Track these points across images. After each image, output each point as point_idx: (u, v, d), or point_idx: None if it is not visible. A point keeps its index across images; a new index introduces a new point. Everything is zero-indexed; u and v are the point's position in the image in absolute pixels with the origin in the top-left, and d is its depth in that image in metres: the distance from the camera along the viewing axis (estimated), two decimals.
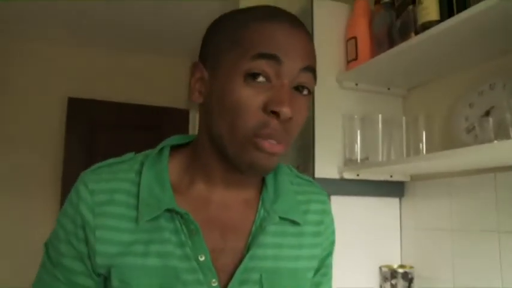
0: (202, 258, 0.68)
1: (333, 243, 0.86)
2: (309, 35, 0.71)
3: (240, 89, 0.64)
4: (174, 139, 0.79)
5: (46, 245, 0.74)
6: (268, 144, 0.65)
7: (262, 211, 0.74)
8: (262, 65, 0.64)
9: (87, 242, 0.68)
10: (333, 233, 0.85)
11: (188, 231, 0.68)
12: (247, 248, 0.71)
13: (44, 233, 3.10)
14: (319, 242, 0.80)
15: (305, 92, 0.68)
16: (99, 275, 0.70)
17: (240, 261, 0.70)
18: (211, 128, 0.70)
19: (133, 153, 0.77)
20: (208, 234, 0.69)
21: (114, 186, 0.70)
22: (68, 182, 2.97)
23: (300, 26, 0.69)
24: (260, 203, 0.75)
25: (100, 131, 3.19)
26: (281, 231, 0.75)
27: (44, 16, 2.77)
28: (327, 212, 0.83)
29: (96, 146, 3.14)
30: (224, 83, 0.66)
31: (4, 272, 2.89)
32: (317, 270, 0.82)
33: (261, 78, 0.64)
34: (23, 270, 2.85)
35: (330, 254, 0.85)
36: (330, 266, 0.86)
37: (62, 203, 2.94)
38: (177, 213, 0.68)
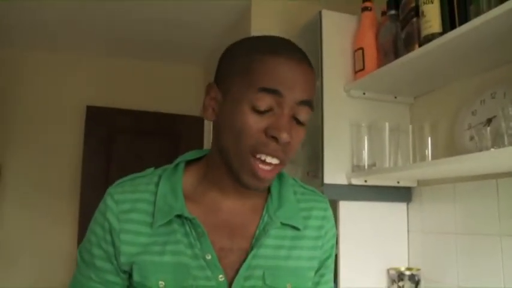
0: (208, 257, 0.78)
1: (333, 247, 0.94)
2: (310, 68, 0.79)
3: (246, 115, 0.74)
4: (189, 155, 0.89)
5: (80, 250, 0.85)
6: (262, 171, 0.75)
7: (266, 217, 0.85)
8: (266, 97, 0.74)
9: (113, 244, 0.80)
10: (333, 237, 0.94)
11: (196, 234, 0.79)
12: (251, 249, 0.81)
13: (63, 234, 3.22)
14: (320, 244, 0.89)
15: (303, 124, 0.78)
16: (124, 272, 0.81)
17: (245, 259, 0.80)
18: (221, 143, 0.80)
19: (153, 168, 0.88)
20: (217, 236, 0.80)
21: (136, 197, 0.82)
22: (86, 187, 3.07)
23: (302, 59, 0.78)
24: (265, 210, 0.85)
25: (117, 138, 3.27)
26: (282, 235, 0.85)
27: (63, 27, 2.87)
28: (327, 218, 0.93)
29: (114, 153, 3.23)
30: (233, 106, 0.76)
31: (25, 271, 2.99)
32: (317, 271, 0.91)
33: (264, 108, 0.74)
34: (43, 269, 2.98)
35: (330, 256, 0.94)
36: (328, 268, 0.94)
37: (81, 207, 3.04)
38: (186, 218, 0.79)
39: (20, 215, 3.06)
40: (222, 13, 2.57)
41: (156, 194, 0.81)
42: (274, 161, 0.75)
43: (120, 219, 0.80)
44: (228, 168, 0.79)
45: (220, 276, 0.78)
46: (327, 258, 0.93)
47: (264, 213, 0.85)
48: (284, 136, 0.72)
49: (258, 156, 0.75)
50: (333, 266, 0.96)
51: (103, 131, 3.24)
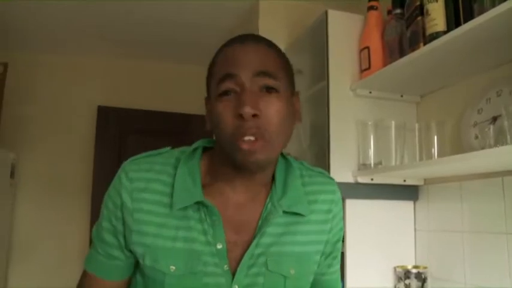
0: (219, 246, 0.81)
1: (341, 229, 0.96)
2: (265, 45, 0.82)
3: (217, 107, 0.79)
4: (206, 141, 0.91)
5: (95, 226, 0.90)
6: (246, 145, 0.76)
7: (269, 206, 0.86)
8: (225, 84, 0.78)
9: (123, 221, 0.83)
10: (341, 220, 0.95)
11: (211, 222, 0.81)
12: (254, 239, 0.83)
13: (76, 232, 3.28)
14: (327, 228, 0.91)
15: (273, 91, 0.79)
16: (130, 251, 0.84)
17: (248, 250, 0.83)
18: (217, 141, 0.85)
19: (170, 147, 0.90)
20: (226, 224, 0.82)
21: (151, 177, 0.83)
22: (98, 185, 3.12)
23: (254, 40, 0.82)
24: (268, 199, 0.87)
25: (128, 138, 3.32)
26: (287, 222, 0.86)
27: (74, 30, 2.92)
28: (335, 202, 0.93)
29: (125, 152, 3.26)
30: (212, 108, 0.82)
31: (38, 267, 3.06)
32: (329, 254, 0.94)
33: (228, 94, 0.78)
34: (56, 265, 3.03)
35: (339, 239, 0.96)
36: (339, 250, 0.98)
37: (92, 204, 3.09)
38: (203, 205, 0.81)
39: (33, 212, 3.13)
40: (230, 13, 2.59)
41: (173, 176, 0.83)
42: (251, 137, 0.76)
43: (134, 197, 0.81)
44: (228, 159, 0.81)
45: (225, 265, 0.81)
46: (337, 240, 0.95)
47: (267, 202, 0.86)
48: (246, 110, 0.74)
49: (239, 140, 0.76)
50: (340, 252, 0.98)
51: (114, 131, 3.30)
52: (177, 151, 0.88)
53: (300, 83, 2.07)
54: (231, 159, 0.79)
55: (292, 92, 0.86)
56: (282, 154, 0.92)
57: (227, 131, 0.77)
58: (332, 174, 1.66)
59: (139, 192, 0.82)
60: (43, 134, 3.23)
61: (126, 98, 3.37)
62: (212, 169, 0.87)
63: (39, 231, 3.12)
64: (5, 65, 2.84)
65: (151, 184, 0.82)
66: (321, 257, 0.91)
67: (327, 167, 1.69)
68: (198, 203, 0.81)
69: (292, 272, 0.85)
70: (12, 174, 2.93)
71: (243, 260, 0.82)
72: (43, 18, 2.74)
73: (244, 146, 0.76)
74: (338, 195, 0.94)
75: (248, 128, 0.75)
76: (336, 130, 1.71)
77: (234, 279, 0.81)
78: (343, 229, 0.97)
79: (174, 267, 0.80)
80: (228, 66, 0.79)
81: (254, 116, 0.75)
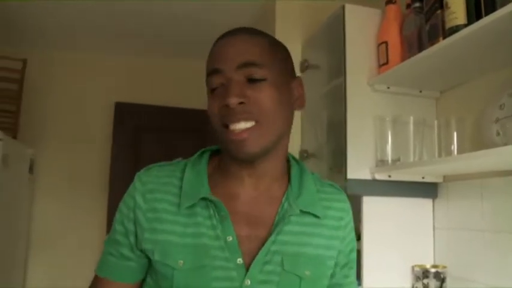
0: (230, 239, 0.81)
1: (353, 239, 0.96)
2: (248, 36, 0.83)
3: (208, 102, 0.83)
4: (214, 147, 0.94)
5: (107, 235, 0.92)
6: (235, 135, 0.78)
7: (285, 204, 0.86)
8: (213, 79, 0.81)
9: (135, 221, 0.85)
10: (352, 230, 0.95)
11: (219, 217, 0.82)
12: (270, 235, 0.83)
13: (93, 227, 3.32)
14: (339, 235, 0.90)
15: (259, 80, 0.79)
16: (141, 250, 0.85)
17: (264, 245, 0.82)
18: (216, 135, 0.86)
19: (181, 158, 0.93)
20: (235, 221, 0.83)
21: (162, 180, 0.87)
22: (115, 181, 3.15)
23: (238, 32, 0.84)
24: (284, 197, 0.87)
25: (145, 134, 3.35)
26: (302, 222, 0.86)
27: (91, 28, 2.95)
28: (346, 211, 0.94)
29: (141, 148, 3.31)
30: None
31: (55, 261, 3.11)
32: (344, 265, 0.93)
33: (217, 89, 0.81)
34: (73, 260, 3.07)
35: (353, 249, 0.96)
36: (354, 261, 0.97)
37: (109, 200, 3.12)
38: (211, 201, 0.82)
39: (51, 207, 3.19)
40: (247, 10, 2.58)
41: (182, 179, 0.86)
42: (241, 125, 0.78)
43: (147, 198, 0.85)
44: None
45: (239, 259, 0.80)
46: (351, 251, 0.95)
47: (283, 200, 0.87)
48: (230, 100, 0.77)
49: (228, 128, 0.79)
50: (355, 262, 0.97)
51: (131, 127, 3.32)
52: (186, 160, 0.91)
53: (317, 79, 2.06)
54: (228, 153, 0.83)
55: (288, 79, 0.86)
56: (294, 159, 0.95)
57: (218, 123, 0.80)
58: (349, 171, 1.65)
59: (151, 193, 0.85)
60: (61, 130, 3.28)
61: (143, 94, 3.39)
62: (220, 168, 0.89)
63: (57, 226, 3.17)
64: (24, 61, 2.88)
65: (162, 186, 0.86)
66: (335, 267, 0.91)
67: (344, 164, 1.67)
68: (205, 200, 0.83)
69: (308, 273, 0.84)
70: (31, 170, 2.98)
71: (258, 255, 0.81)
72: (61, 16, 2.77)
73: (234, 137, 0.78)
74: (348, 205, 0.95)
75: (237, 114, 0.78)
76: (353, 126, 1.68)
77: (248, 273, 0.80)
78: (355, 240, 0.97)
79: (182, 262, 0.80)
80: (214, 61, 0.82)
81: (241, 103, 0.77)
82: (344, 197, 0.96)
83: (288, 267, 0.82)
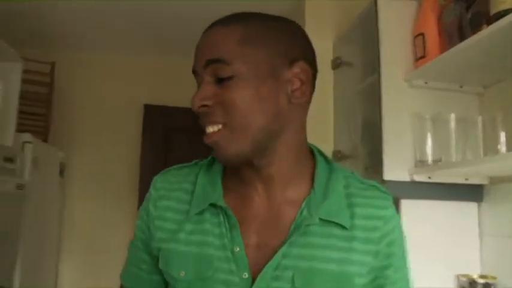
0: (237, 250, 0.73)
1: (391, 256, 0.76)
2: (218, 29, 0.74)
3: None
4: None
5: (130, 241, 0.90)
6: (207, 138, 0.73)
7: (304, 211, 0.74)
8: (196, 81, 0.76)
9: (148, 228, 0.82)
10: (393, 243, 0.76)
11: (229, 225, 0.74)
12: (282, 247, 0.72)
13: (123, 227, 3.31)
14: (371, 249, 0.74)
15: (225, 78, 0.71)
16: (154, 256, 0.82)
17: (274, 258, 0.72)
18: None
19: (198, 160, 0.87)
20: (246, 229, 0.74)
21: (174, 186, 0.82)
22: (144, 183, 3.12)
23: (212, 26, 0.76)
24: (304, 203, 0.75)
25: (174, 135, 3.34)
26: (326, 233, 0.73)
27: (120, 30, 2.95)
28: (386, 219, 0.76)
29: (171, 150, 3.31)
30: None
31: (87, 262, 3.13)
32: (372, 281, 0.76)
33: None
34: (104, 261, 3.06)
35: (388, 266, 0.76)
36: (391, 279, 0.76)
37: (139, 202, 3.11)
38: (221, 208, 0.75)
39: (81, 210, 3.21)
40: (276, 10, 2.49)
41: (195, 183, 0.80)
42: (209, 129, 0.73)
43: (157, 205, 0.82)
44: None
45: (245, 274, 0.72)
46: (385, 267, 0.75)
47: (303, 206, 0.74)
48: (193, 103, 0.72)
49: (204, 135, 0.74)
50: (401, 278, 0.78)
51: (160, 129, 3.33)
52: (203, 161, 0.86)
53: (351, 77, 1.98)
54: None
55: (278, 66, 0.72)
56: (322, 155, 0.82)
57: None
58: (386, 172, 1.55)
59: (161, 200, 0.82)
60: (90, 133, 3.30)
61: (172, 96, 3.35)
62: (235, 173, 0.79)
63: (88, 229, 3.19)
64: (52, 65, 2.90)
65: (173, 192, 0.82)
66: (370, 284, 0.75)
67: (380, 165, 1.56)
68: (215, 206, 0.76)
69: None
70: (61, 173, 2.99)
71: (264, 270, 0.71)
72: (89, 19, 2.78)
73: (206, 140, 0.73)
74: (390, 212, 0.77)
75: (203, 117, 0.73)
76: (390, 125, 1.58)
77: None
78: (400, 256, 0.78)
79: (183, 273, 0.75)
80: (194, 61, 0.76)
81: (204, 106, 0.72)
82: (386, 202, 0.78)
83: (299, 285, 0.70)
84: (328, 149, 2.00)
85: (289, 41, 0.75)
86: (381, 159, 1.56)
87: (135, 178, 3.24)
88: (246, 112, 0.70)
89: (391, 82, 1.63)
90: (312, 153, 0.82)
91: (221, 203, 0.75)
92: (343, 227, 0.73)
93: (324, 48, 2.12)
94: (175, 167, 0.86)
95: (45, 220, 2.75)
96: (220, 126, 0.71)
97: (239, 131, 0.70)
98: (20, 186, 2.13)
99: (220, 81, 0.71)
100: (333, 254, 0.72)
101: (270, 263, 0.71)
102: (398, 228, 0.78)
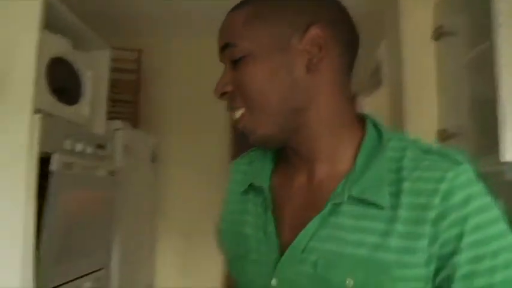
0: (270, 230, 0.71)
1: (460, 237, 0.60)
2: (231, 13, 0.72)
3: None
4: None
5: None
6: (234, 122, 0.73)
7: (339, 188, 0.67)
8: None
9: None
10: (459, 223, 0.60)
11: (266, 205, 0.74)
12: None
13: (214, 214, 3.20)
14: (424, 232, 0.61)
15: (238, 60, 0.69)
16: None
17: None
18: None
19: None
20: (282, 209, 0.73)
21: (239, 168, 0.87)
22: None
23: (229, 12, 0.73)
24: (343, 181, 0.68)
25: None
26: (359, 213, 0.65)
27: (205, 12, 2.92)
28: (447, 192, 0.61)
29: None
30: None
31: (178, 245, 3.20)
32: (447, 278, 0.61)
33: None
34: (196, 245, 3.09)
35: (456, 251, 0.60)
36: (463, 269, 0.59)
37: None
38: (261, 188, 0.75)
39: (176, 197, 3.25)
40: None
41: (252, 165, 0.83)
42: (235, 115, 0.72)
43: (228, 189, 0.87)
44: None
45: (275, 255, 0.69)
46: (451, 254, 0.60)
47: (340, 183, 0.68)
48: (214, 92, 0.72)
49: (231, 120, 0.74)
50: (487, 270, 0.59)
51: None
52: None
53: (456, 48, 1.76)
54: None
55: (289, 36, 0.67)
56: (377, 127, 0.72)
57: None
58: (506, 152, 1.35)
59: (230, 184, 0.87)
60: (180, 119, 3.32)
61: None
62: (284, 154, 0.79)
63: (182, 216, 3.23)
64: (139, 52, 2.94)
65: (235, 175, 0.87)
66: (434, 281, 0.61)
67: (496, 146, 1.37)
68: (256, 186, 0.77)
69: (350, 283, 0.62)
70: (153, 159, 3.03)
71: (288, 252, 0.67)
72: (174, 3, 2.77)
73: (239, 126, 0.72)
74: (455, 184, 0.61)
75: (228, 104, 0.72)
76: (509, 98, 1.37)
77: (275, 272, 0.68)
78: (465, 237, 0.60)
79: (228, 252, 0.81)
80: None
81: (224, 93, 0.71)
82: (448, 173, 0.61)
83: (321, 270, 0.64)
84: (431, 128, 1.81)
85: (297, 8, 0.69)
86: (499, 136, 1.37)
87: (226, 164, 3.22)
88: (260, 90, 0.68)
89: (508, 50, 1.41)
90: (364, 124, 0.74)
91: (260, 183, 0.75)
92: (379, 206, 0.63)
93: (423, 17, 1.92)
94: (250, 151, 0.88)
95: (139, 206, 2.81)
96: (243, 110, 0.71)
97: (258, 110, 0.69)
98: (111, 173, 2.17)
99: (235, 63, 0.70)
100: (365, 238, 0.63)
101: (293, 244, 0.67)
102: (468, 201, 0.61)
